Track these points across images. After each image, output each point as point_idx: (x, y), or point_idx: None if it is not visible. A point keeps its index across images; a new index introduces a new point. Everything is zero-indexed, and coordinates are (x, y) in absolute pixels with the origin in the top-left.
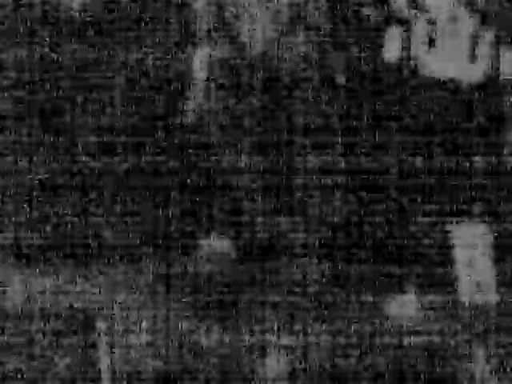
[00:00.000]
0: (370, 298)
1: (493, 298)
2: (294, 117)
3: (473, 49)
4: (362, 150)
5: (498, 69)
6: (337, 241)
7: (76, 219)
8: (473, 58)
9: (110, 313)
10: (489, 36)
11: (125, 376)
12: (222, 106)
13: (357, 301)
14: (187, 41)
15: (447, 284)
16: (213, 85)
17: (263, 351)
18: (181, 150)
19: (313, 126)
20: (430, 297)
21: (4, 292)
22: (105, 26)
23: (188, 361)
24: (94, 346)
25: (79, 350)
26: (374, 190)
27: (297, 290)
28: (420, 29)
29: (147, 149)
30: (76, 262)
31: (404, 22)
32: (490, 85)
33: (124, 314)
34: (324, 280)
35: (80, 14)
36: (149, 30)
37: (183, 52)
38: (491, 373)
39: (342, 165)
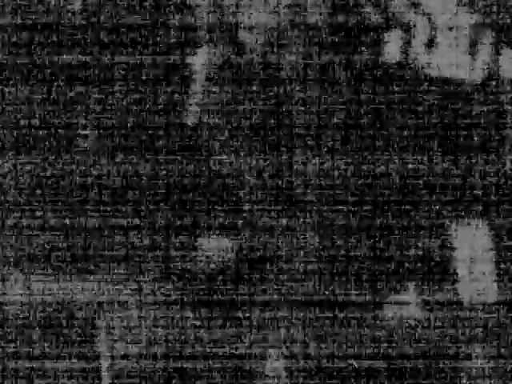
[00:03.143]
0: (370, 298)
1: (493, 298)
2: (294, 116)
3: (473, 49)
4: (362, 150)
5: (498, 69)
6: (336, 241)
7: (76, 219)
8: (473, 57)
9: (110, 313)
10: (489, 36)
11: (125, 376)
12: (222, 106)
13: (356, 301)
14: (187, 41)
15: (447, 284)
16: (213, 85)
17: (263, 351)
18: (180, 150)
19: (313, 126)
20: (430, 297)
21: (4, 292)
22: (104, 26)
23: (188, 361)
24: (94, 345)
25: (79, 351)
26: (374, 189)
27: (296, 289)
28: (420, 29)
29: (146, 149)
30: (76, 262)
31: (404, 23)
32: (490, 84)
33: (124, 314)
34: (323, 279)
35: (80, 13)
36: (149, 30)
37: (183, 52)
38: (491, 373)
39: (342, 165)
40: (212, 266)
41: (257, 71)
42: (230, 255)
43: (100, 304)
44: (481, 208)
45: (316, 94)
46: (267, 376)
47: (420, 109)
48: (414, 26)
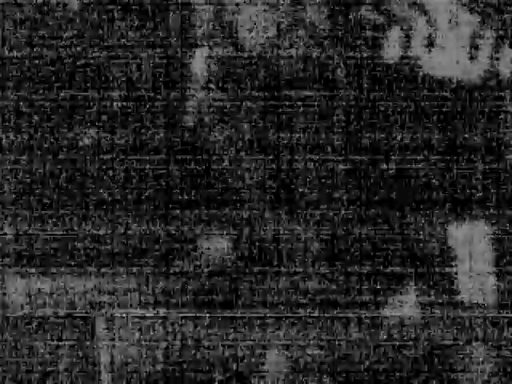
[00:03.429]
0: (370, 298)
1: (493, 298)
2: (294, 117)
3: (473, 49)
4: (362, 150)
5: (498, 69)
6: (336, 241)
7: (76, 220)
8: (473, 57)
9: (110, 313)
10: (489, 36)
11: (125, 377)
12: (222, 106)
13: (357, 301)
14: (187, 41)
15: (447, 284)
16: (213, 85)
17: (263, 351)
18: (181, 150)
19: (313, 126)
20: (430, 297)
21: (4, 292)
22: (104, 26)
23: (188, 361)
24: (93, 344)
25: (79, 351)
26: (373, 190)
27: (297, 289)
28: (420, 29)
29: (147, 150)
30: (76, 262)
31: (404, 22)
32: (490, 85)
33: (124, 314)
34: (323, 280)
35: (79, 13)
36: (148, 30)
37: (183, 52)
38: (491, 373)
39: (341, 165)
40: (212, 266)
41: (257, 71)
42: (230, 255)
43: (100, 304)
44: (481, 208)
45: (316, 93)
46: (267, 375)
47: (419, 108)
48: (415, 25)
